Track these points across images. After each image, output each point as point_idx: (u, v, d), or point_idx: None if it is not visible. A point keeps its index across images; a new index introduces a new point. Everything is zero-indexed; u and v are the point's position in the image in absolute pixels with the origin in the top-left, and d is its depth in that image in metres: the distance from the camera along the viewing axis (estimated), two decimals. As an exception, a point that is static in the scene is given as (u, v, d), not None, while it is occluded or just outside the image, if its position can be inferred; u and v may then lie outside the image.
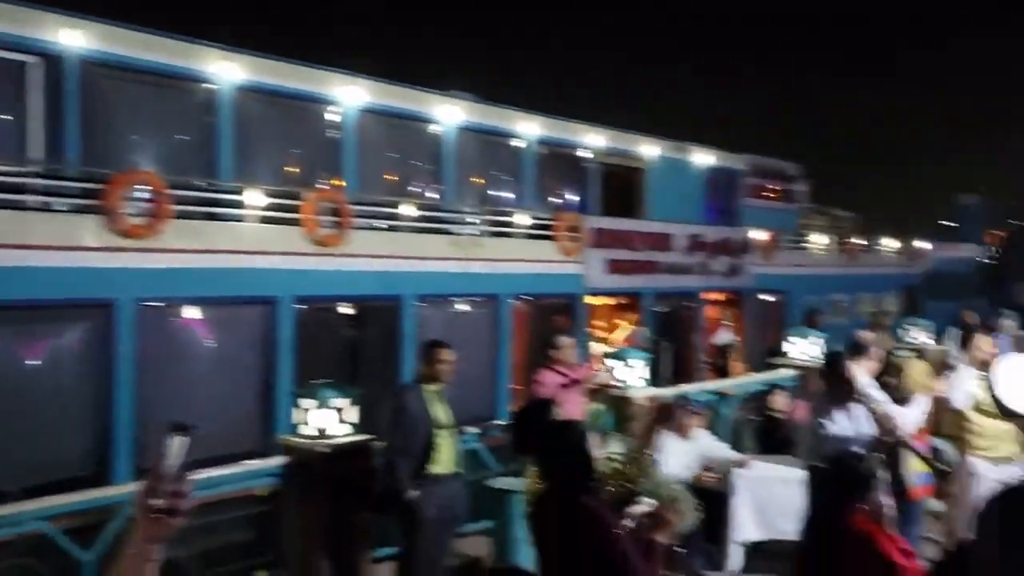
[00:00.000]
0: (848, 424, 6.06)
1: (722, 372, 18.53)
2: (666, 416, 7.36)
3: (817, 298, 22.78)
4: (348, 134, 13.68)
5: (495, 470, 7.98)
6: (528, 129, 16.56)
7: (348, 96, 13.42)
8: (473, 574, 6.83)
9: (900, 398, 6.71)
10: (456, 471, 6.73)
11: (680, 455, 7.49)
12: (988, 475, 6.13)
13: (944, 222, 40.77)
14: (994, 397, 6.50)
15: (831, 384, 6.27)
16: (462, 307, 14.59)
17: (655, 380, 16.06)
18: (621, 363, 8.78)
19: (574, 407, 6.81)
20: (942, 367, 8.66)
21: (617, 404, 8.81)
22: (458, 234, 14.19)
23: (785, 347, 12.44)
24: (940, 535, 7.28)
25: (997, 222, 45.27)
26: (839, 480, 4.08)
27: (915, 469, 6.71)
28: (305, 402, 6.60)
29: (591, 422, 5.68)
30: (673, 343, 18.21)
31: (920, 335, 13.55)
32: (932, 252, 29.39)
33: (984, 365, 6.81)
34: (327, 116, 13.61)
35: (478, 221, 14.77)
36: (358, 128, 13.78)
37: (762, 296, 21.33)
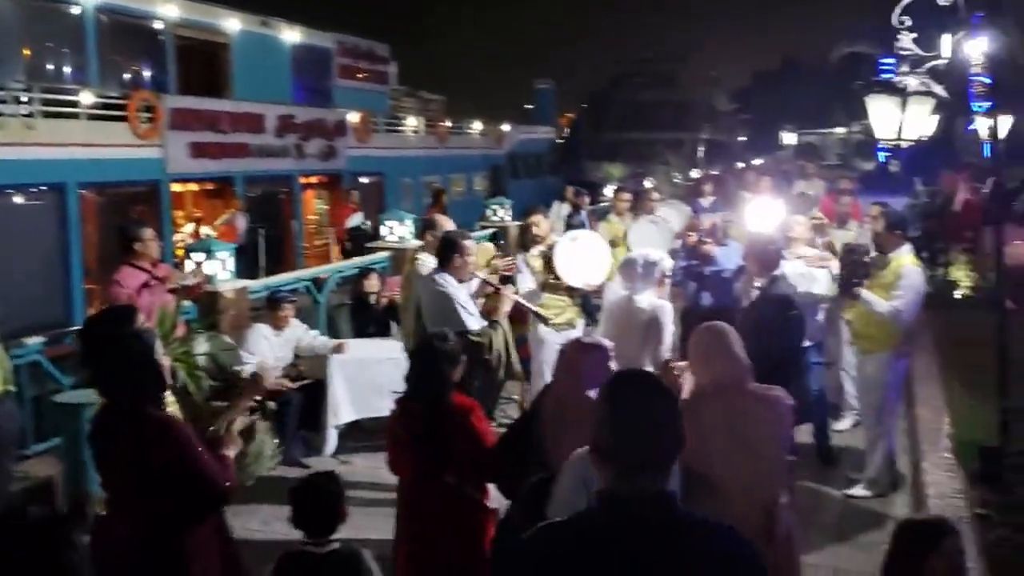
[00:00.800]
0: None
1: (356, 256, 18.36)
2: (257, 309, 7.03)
3: (411, 180, 23.41)
4: None
5: (66, 384, 7.09)
6: (86, -7, 14.51)
7: None
8: (44, 496, 6.12)
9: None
10: (5, 389, 5.81)
11: (274, 348, 7.23)
12: (552, 340, 6.66)
13: (526, 106, 43.88)
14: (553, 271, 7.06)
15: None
16: (17, 199, 12.72)
17: (254, 270, 15.62)
18: (206, 255, 8.17)
19: (152, 305, 6.14)
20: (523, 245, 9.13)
21: (206, 298, 8.26)
22: (4, 115, 12.18)
23: (381, 230, 12.51)
24: (517, 393, 7.86)
25: (569, 105, 49.63)
26: (438, 358, 4.13)
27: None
28: None
29: (159, 323, 5.15)
30: (271, 230, 17.66)
31: (501, 212, 14.39)
32: (513, 134, 31.37)
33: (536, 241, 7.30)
34: None
35: (26, 99, 12.77)
36: None
37: (359, 178, 21.36)
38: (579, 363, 3.97)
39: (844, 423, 7.43)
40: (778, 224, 7.27)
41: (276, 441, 5.73)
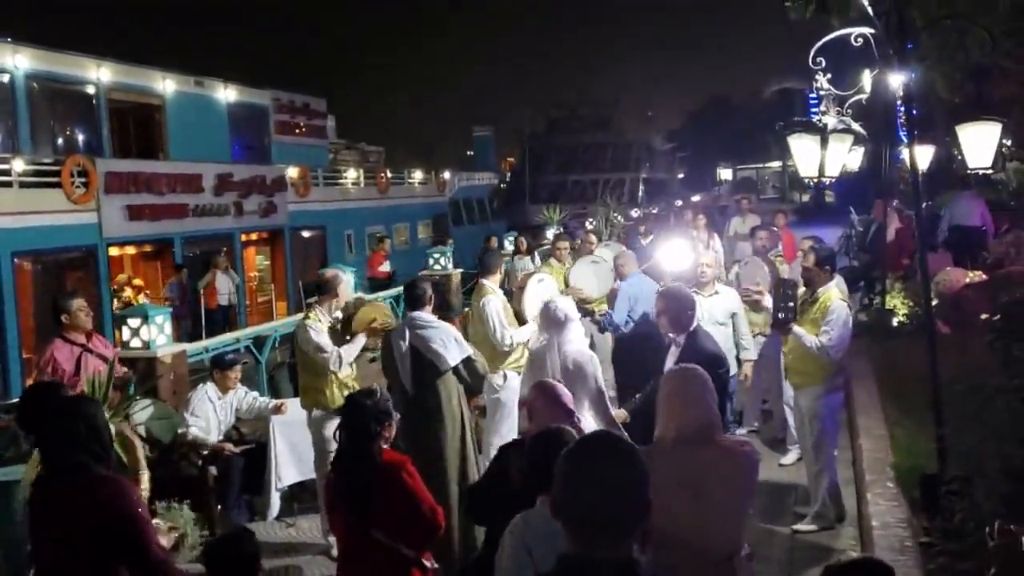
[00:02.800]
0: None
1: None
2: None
3: (354, 231, 23.36)
4: None
5: (-2, 459, 6.85)
6: (16, 62, 14.32)
7: None
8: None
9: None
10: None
11: (219, 410, 7.10)
12: (515, 383, 6.74)
13: (468, 152, 44.20)
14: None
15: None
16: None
17: (196, 329, 15.37)
18: (143, 320, 8.04)
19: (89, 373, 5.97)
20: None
21: (141, 364, 8.10)
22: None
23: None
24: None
25: (508, 150, 50.07)
26: (359, 414, 4.10)
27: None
28: None
29: (90, 391, 5.04)
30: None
31: (443, 261, 14.42)
32: (454, 181, 31.52)
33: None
34: None
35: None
36: None
37: (301, 232, 21.25)
38: (537, 404, 4.07)
39: (789, 457, 7.52)
40: (688, 265, 7.52)
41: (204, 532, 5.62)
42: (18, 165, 13.50)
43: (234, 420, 7.29)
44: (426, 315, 5.96)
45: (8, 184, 13.28)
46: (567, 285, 8.82)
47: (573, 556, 2.05)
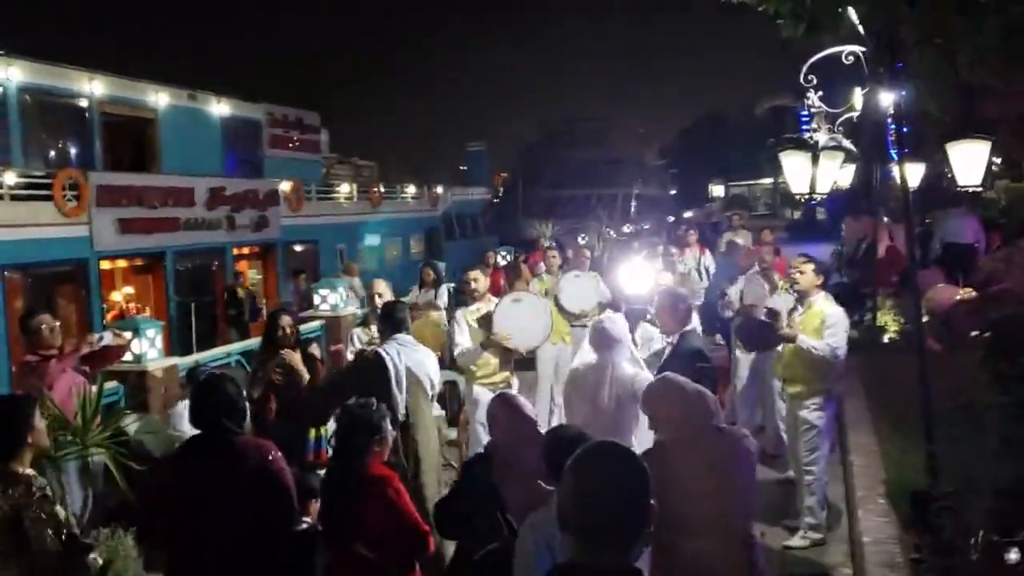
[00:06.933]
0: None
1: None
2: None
3: (347, 245, 23.34)
4: None
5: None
6: (8, 75, 14.31)
7: None
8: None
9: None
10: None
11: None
12: (486, 400, 6.68)
13: (460, 167, 44.27)
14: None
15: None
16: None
17: (186, 344, 15.32)
18: (134, 333, 8.03)
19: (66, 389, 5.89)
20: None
21: (131, 378, 8.09)
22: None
23: (314, 298, 12.42)
24: (455, 460, 7.79)
25: (501, 165, 50.16)
26: (352, 425, 4.10)
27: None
28: None
29: (80, 409, 5.02)
30: (203, 303, 17.40)
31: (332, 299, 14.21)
32: (447, 196, 31.54)
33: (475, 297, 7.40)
34: None
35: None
36: None
37: (294, 246, 21.22)
38: (499, 418, 4.11)
39: (788, 472, 7.51)
40: (648, 287, 7.60)
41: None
42: (9, 178, 13.45)
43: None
44: (410, 337, 5.95)
45: (-1, 197, 13.26)
46: (555, 298, 8.77)
47: (572, 565, 2.06)
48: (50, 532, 3.53)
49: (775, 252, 10.63)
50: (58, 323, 6.24)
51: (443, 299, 10.57)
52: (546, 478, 3.40)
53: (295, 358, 6.30)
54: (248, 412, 4.25)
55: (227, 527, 3.72)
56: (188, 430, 6.82)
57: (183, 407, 6.92)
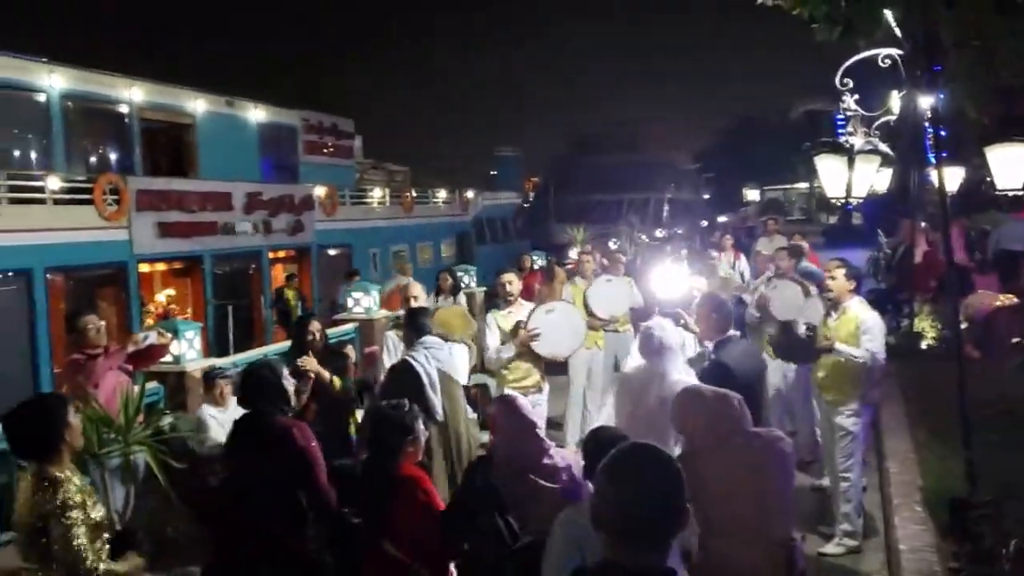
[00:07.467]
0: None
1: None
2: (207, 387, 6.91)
3: (380, 250, 23.50)
4: None
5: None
6: (51, 82, 14.61)
7: None
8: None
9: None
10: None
11: (224, 426, 7.09)
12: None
13: (491, 172, 44.36)
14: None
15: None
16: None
17: (223, 346, 15.50)
18: (174, 335, 8.14)
19: (111, 388, 6.01)
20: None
21: (171, 378, 8.21)
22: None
23: (348, 301, 12.52)
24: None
25: (532, 170, 50.14)
26: (388, 429, 4.13)
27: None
28: None
29: (123, 408, 5.13)
30: (240, 305, 17.60)
31: (467, 279, 14.44)
32: (478, 200, 31.61)
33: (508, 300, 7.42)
34: None
35: (-6, 187, 12.77)
36: None
37: (328, 250, 21.40)
38: (499, 418, 4.16)
39: (825, 480, 7.44)
40: (682, 292, 7.56)
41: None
42: (52, 183, 13.73)
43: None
44: (436, 339, 6.09)
45: (42, 201, 13.52)
46: (585, 306, 8.73)
47: (607, 564, 2.08)
48: (75, 543, 3.44)
49: (800, 252, 10.48)
50: (103, 323, 6.37)
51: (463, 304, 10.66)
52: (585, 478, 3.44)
53: (310, 362, 6.30)
54: (291, 397, 4.66)
55: (267, 500, 4.11)
56: (207, 431, 6.97)
57: (206, 414, 6.98)
